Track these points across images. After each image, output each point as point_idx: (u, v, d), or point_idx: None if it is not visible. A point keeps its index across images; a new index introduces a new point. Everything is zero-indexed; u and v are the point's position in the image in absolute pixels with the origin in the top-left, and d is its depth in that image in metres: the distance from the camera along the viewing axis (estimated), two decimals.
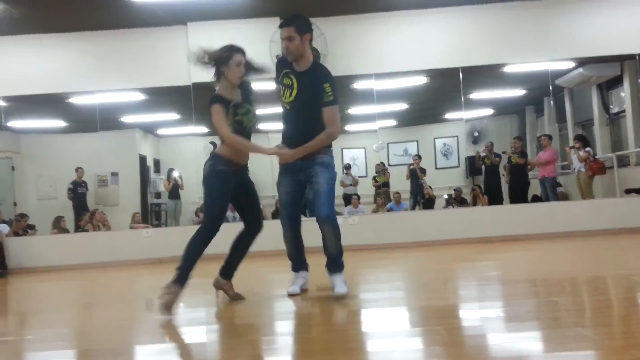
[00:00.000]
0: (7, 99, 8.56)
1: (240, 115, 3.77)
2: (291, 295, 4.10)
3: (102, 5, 7.26)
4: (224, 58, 3.73)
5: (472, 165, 10.25)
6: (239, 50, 3.76)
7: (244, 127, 3.80)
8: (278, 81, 4.07)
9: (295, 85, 3.91)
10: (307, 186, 3.98)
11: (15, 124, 9.33)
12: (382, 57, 8.34)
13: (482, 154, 9.65)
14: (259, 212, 4.11)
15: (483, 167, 9.69)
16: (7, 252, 7.68)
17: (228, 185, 3.76)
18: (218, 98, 3.73)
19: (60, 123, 10.42)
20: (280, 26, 3.91)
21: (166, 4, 7.35)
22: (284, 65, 4.02)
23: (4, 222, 8.31)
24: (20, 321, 4.40)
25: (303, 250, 4.34)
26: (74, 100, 9.13)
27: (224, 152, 3.76)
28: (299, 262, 4.32)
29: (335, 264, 4.12)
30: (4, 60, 8.23)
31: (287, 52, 3.89)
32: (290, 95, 3.96)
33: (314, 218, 3.92)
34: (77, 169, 9.53)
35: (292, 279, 4.26)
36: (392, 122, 11.07)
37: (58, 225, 8.86)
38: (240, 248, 4.00)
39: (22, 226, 8.54)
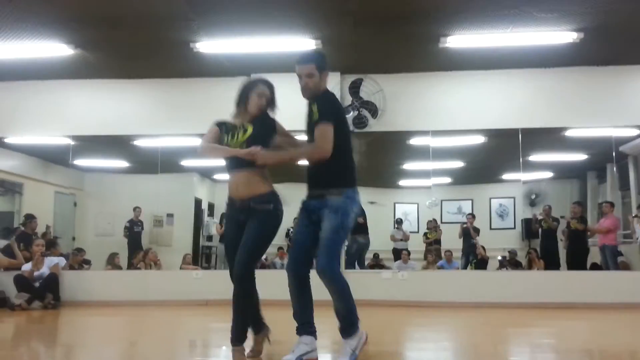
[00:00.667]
0: (76, 138, 8.98)
1: (226, 135, 3.61)
2: None
3: (172, 55, 7.61)
4: (249, 84, 3.72)
5: (529, 228, 9.98)
6: (264, 83, 3.72)
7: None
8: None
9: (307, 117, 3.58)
10: None
11: (81, 162, 9.75)
12: (440, 114, 8.36)
13: (540, 217, 9.42)
14: (240, 255, 3.46)
15: (540, 230, 9.43)
16: (62, 284, 7.89)
17: (229, 221, 3.63)
18: (218, 122, 3.77)
19: (122, 163, 10.83)
20: (299, 63, 3.57)
21: (232, 56, 7.63)
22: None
23: (62, 255, 8.59)
24: (68, 353, 4.48)
25: (309, 308, 3.56)
26: (138, 142, 9.51)
27: None
28: (301, 323, 3.52)
29: (342, 326, 3.50)
30: (76, 102, 8.69)
31: (305, 89, 3.55)
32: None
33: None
34: (135, 208, 9.82)
35: (294, 345, 3.48)
36: (447, 180, 10.97)
37: (112, 262, 9.09)
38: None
39: (78, 260, 8.80)
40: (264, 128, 3.61)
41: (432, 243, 9.59)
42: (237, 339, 3.48)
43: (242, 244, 3.42)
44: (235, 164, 3.53)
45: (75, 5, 6.16)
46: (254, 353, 3.64)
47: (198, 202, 10.69)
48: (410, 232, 10.31)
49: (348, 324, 3.47)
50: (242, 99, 3.68)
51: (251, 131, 3.55)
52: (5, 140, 8.97)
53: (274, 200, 3.52)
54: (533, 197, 10.18)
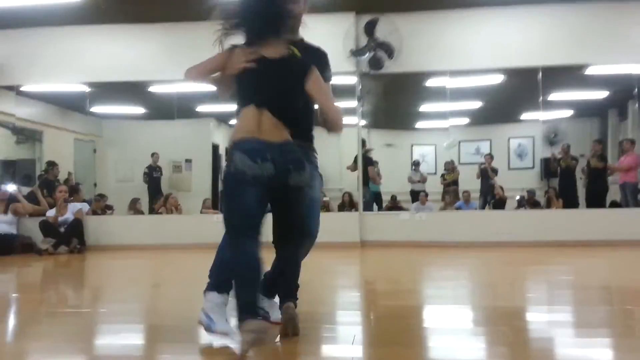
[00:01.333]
0: (92, 85, 8.99)
1: None
2: None
3: None
4: None
5: (548, 168, 9.90)
6: None
7: None
8: None
9: None
10: None
11: (98, 109, 9.78)
12: (458, 54, 8.19)
13: (558, 156, 9.33)
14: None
15: (558, 169, 9.36)
16: (86, 229, 8.07)
17: None
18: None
19: (139, 110, 10.84)
20: None
21: None
22: None
23: (84, 201, 8.75)
24: (95, 295, 4.63)
25: None
26: (154, 88, 9.48)
27: None
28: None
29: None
30: (90, 49, 8.64)
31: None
32: None
33: None
34: (153, 154, 9.89)
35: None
36: (465, 120, 10.84)
37: (134, 207, 9.25)
38: None
39: (100, 206, 8.96)
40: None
41: (450, 184, 9.57)
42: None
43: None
44: None
45: None
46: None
47: (215, 148, 10.71)
48: (428, 173, 10.28)
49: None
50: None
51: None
52: (22, 88, 9.00)
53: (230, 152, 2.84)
54: (552, 136, 10.04)
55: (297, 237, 2.90)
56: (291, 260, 2.98)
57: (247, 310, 2.49)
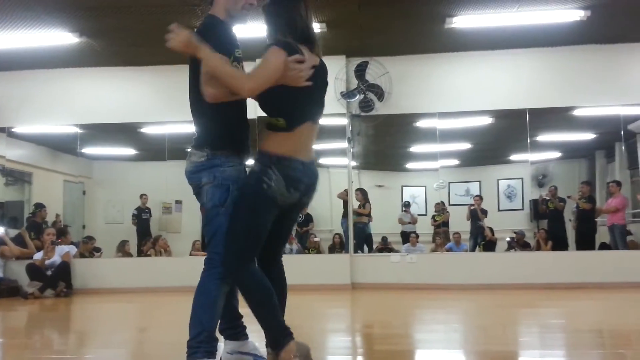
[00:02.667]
0: (83, 126, 9.01)
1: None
2: None
3: None
4: None
5: (537, 209, 9.95)
6: None
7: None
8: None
9: None
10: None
11: (89, 150, 9.77)
12: (447, 96, 8.32)
13: (546, 198, 9.40)
14: None
15: (547, 211, 9.41)
16: (74, 272, 7.96)
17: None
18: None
19: (130, 151, 10.85)
20: None
21: (239, 41, 7.60)
22: None
23: (72, 243, 8.66)
24: (81, 340, 4.54)
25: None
26: (145, 130, 9.53)
27: None
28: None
29: None
30: (82, 90, 8.71)
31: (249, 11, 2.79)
32: None
33: None
34: (142, 196, 9.85)
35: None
36: (455, 162, 10.93)
37: (122, 249, 9.16)
38: None
39: (88, 248, 8.87)
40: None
41: (440, 225, 9.58)
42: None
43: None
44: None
45: None
46: None
47: None
48: (418, 214, 10.30)
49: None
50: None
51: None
52: (14, 129, 9.01)
53: (268, 162, 2.61)
54: (541, 177, 10.12)
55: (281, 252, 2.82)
56: (284, 279, 2.79)
57: (285, 333, 2.46)
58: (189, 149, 2.68)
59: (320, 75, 2.61)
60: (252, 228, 2.50)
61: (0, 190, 9.43)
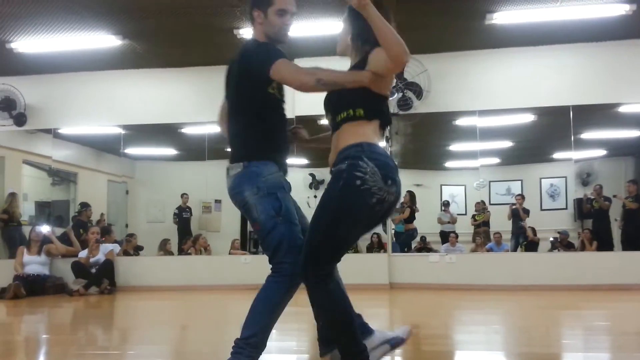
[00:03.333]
0: (126, 127, 9.21)
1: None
2: None
3: (217, 42, 7.68)
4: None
5: (581, 208, 9.71)
6: None
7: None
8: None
9: None
10: None
11: (131, 150, 9.99)
12: (487, 93, 8.19)
13: (591, 197, 9.16)
14: None
15: (592, 210, 9.17)
16: (117, 270, 8.15)
17: None
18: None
19: (171, 151, 11.04)
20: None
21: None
22: None
23: (115, 242, 8.86)
24: (124, 336, 4.64)
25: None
26: (186, 130, 9.69)
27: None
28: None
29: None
30: (125, 92, 8.91)
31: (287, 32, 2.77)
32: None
33: None
34: (182, 195, 10.01)
35: None
36: (495, 160, 10.75)
37: (164, 248, 9.33)
38: None
39: (131, 246, 9.07)
40: None
41: (481, 225, 9.44)
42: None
43: None
44: None
45: None
46: None
47: None
48: (458, 214, 10.16)
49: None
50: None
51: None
52: (60, 131, 9.28)
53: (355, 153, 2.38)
54: (585, 176, 9.87)
55: None
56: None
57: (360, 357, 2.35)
58: (227, 166, 2.64)
59: None
60: (340, 239, 2.31)
61: (47, 189, 9.72)
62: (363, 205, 2.23)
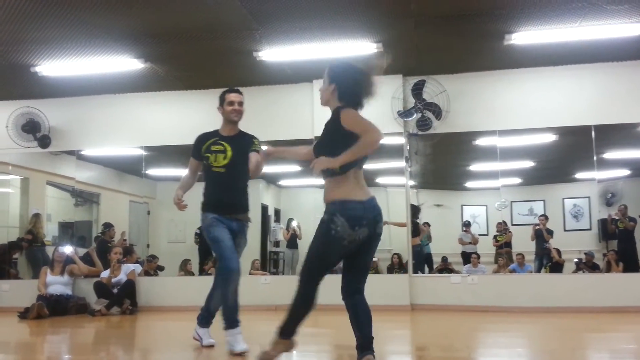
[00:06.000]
0: (148, 149, 9.32)
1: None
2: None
3: (237, 64, 7.78)
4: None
5: (605, 229, 9.56)
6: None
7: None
8: (199, 154, 4.57)
9: (228, 148, 4.35)
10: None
11: (153, 171, 10.09)
12: (507, 113, 8.16)
13: (615, 218, 9.02)
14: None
15: (617, 231, 9.02)
16: (138, 290, 8.19)
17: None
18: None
19: None
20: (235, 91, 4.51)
21: (294, 63, 7.73)
22: (207, 137, 4.58)
23: (137, 262, 8.92)
24: (145, 356, 4.65)
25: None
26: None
27: None
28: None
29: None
30: (147, 114, 9.03)
31: (237, 115, 4.50)
32: (224, 158, 4.37)
33: None
34: None
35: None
36: (517, 180, 10.67)
37: (184, 268, 9.36)
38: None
39: (152, 267, 9.12)
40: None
41: (503, 246, 9.34)
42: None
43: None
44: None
45: (145, 20, 6.41)
46: None
47: (264, 208, 10.84)
48: (479, 234, 10.06)
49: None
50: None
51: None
52: (83, 152, 9.42)
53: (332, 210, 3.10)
54: (609, 196, 9.73)
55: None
56: (366, 306, 3.29)
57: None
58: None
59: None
60: (322, 260, 3.12)
61: (70, 210, 9.85)
62: (337, 245, 3.03)
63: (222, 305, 4.37)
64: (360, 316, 3.18)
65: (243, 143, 4.37)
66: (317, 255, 3.10)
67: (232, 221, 4.38)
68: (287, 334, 3.21)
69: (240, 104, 4.44)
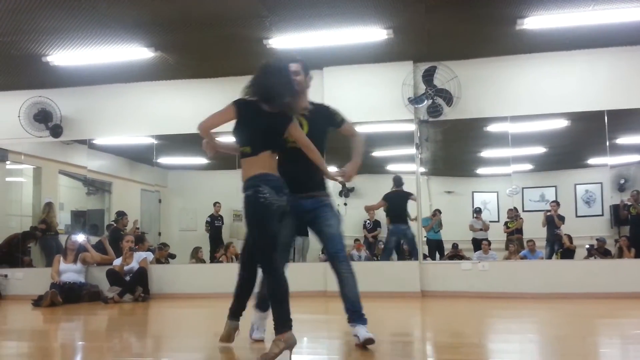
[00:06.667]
0: (159, 137, 9.35)
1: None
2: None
3: (247, 52, 7.76)
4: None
5: (618, 215, 9.49)
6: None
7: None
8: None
9: (304, 122, 3.84)
10: (310, 228, 3.89)
11: (164, 160, 10.13)
12: (518, 99, 8.10)
13: (628, 203, 8.95)
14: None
15: (629, 216, 8.96)
16: (150, 278, 8.26)
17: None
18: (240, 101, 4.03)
19: (203, 160, 11.16)
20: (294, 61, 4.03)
21: (304, 50, 7.68)
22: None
23: (149, 250, 8.99)
24: (158, 344, 4.69)
25: None
26: (217, 139, 9.75)
27: None
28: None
29: (359, 314, 3.70)
30: (158, 103, 9.06)
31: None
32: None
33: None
34: (215, 204, 10.11)
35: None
36: (528, 166, 10.61)
37: (196, 256, 9.43)
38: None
39: (164, 255, 9.18)
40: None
41: (514, 232, 9.31)
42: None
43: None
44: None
45: (155, 9, 6.41)
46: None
47: None
48: (490, 221, 10.04)
49: (360, 308, 3.69)
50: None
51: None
52: (94, 141, 9.47)
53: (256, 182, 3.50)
54: (622, 181, 9.66)
55: None
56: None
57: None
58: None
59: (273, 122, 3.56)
60: (264, 233, 3.34)
61: (82, 199, 9.93)
62: (269, 211, 3.35)
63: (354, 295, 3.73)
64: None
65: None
66: (258, 232, 3.35)
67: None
68: (282, 326, 3.19)
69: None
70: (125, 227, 9.38)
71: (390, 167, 9.40)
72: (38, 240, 9.38)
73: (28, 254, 9.45)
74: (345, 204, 9.68)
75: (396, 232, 8.76)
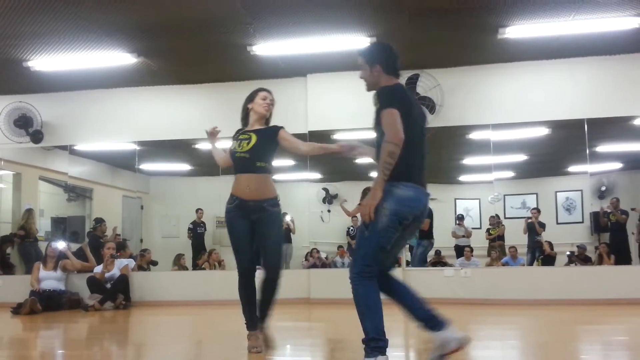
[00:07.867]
0: (140, 143, 9.28)
1: (237, 141, 4.07)
2: None
3: (230, 58, 7.75)
4: (250, 96, 4.24)
5: (598, 222, 9.61)
6: (264, 90, 4.25)
7: (233, 151, 4.06)
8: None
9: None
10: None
11: (146, 166, 10.07)
12: (500, 107, 8.17)
13: (607, 211, 9.07)
14: (272, 256, 4.05)
15: (609, 224, 9.08)
16: (132, 285, 8.17)
17: (241, 220, 4.04)
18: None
19: (185, 167, 11.12)
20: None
21: (288, 57, 7.71)
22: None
23: (131, 257, 8.90)
24: (139, 352, 4.64)
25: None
26: (200, 145, 9.74)
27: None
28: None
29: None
30: (140, 109, 9.00)
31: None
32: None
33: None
34: (197, 210, 10.06)
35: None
36: (510, 174, 10.71)
37: (178, 263, 9.35)
38: (260, 293, 4.07)
39: (146, 260, 9.10)
40: (266, 137, 4.06)
41: (496, 239, 9.38)
42: (255, 325, 3.99)
43: (272, 244, 4.02)
44: (245, 167, 4.00)
45: (138, 15, 6.37)
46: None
47: None
48: (473, 228, 10.11)
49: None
50: (246, 112, 4.30)
51: (255, 140, 4.00)
52: (75, 147, 9.37)
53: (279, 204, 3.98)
54: (602, 189, 9.79)
55: None
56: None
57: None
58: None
59: None
60: None
61: (63, 205, 9.82)
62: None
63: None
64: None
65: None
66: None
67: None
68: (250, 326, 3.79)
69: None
70: (104, 234, 9.28)
71: (374, 174, 9.42)
72: (17, 247, 9.24)
73: (6, 260, 9.30)
74: (329, 211, 9.69)
75: None
